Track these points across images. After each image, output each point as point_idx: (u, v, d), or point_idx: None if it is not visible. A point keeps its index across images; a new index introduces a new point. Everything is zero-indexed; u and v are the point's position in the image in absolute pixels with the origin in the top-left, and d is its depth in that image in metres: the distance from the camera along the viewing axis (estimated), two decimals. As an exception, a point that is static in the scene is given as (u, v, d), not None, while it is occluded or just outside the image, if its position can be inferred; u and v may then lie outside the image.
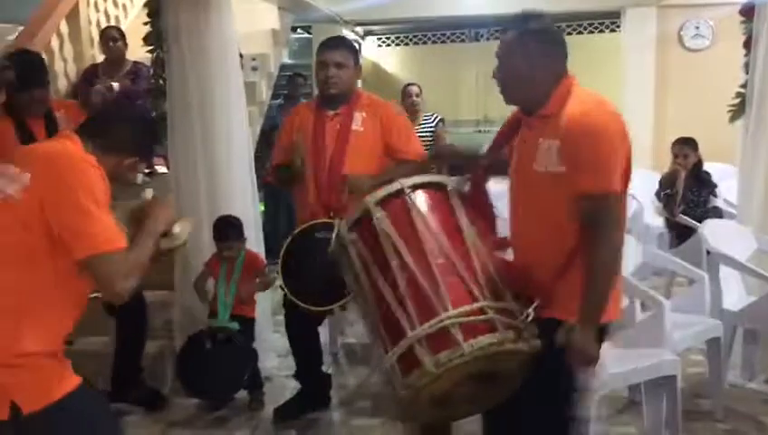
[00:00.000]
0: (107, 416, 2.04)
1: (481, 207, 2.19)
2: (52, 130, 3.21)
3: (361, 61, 9.56)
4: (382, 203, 2.08)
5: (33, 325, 1.79)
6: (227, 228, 3.49)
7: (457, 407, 2.09)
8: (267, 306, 4.06)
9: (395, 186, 2.09)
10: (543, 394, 2.01)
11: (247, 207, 3.99)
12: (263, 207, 5.40)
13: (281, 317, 3.97)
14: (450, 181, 2.17)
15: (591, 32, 9.09)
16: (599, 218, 1.92)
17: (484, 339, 1.87)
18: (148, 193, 2.12)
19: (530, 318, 1.93)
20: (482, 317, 1.91)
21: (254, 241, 3.86)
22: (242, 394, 3.52)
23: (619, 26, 8.44)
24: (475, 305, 1.92)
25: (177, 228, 2.07)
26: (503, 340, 1.89)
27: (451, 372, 1.88)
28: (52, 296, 1.82)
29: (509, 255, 2.20)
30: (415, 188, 2.10)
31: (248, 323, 3.50)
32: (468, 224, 2.08)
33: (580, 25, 9.04)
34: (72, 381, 1.86)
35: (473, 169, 2.28)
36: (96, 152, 1.94)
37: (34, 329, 1.79)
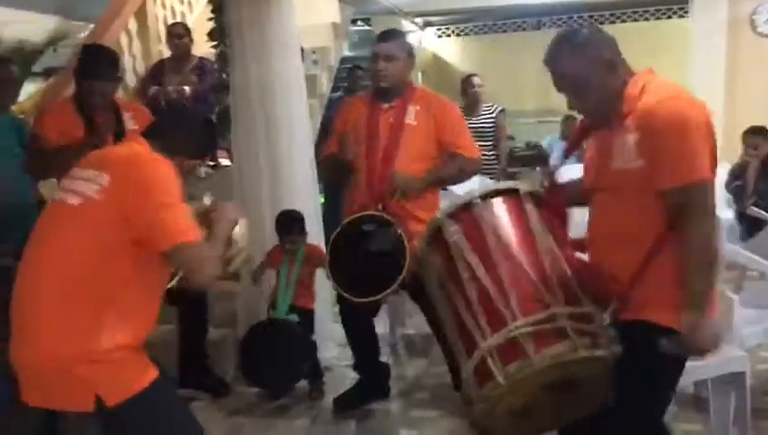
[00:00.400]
0: (182, 404, 2.14)
1: (556, 208, 2.15)
2: (119, 128, 3.28)
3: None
4: (454, 216, 2.08)
5: (114, 321, 1.87)
6: (290, 223, 3.54)
7: (540, 418, 2.04)
8: (327, 297, 4.10)
9: (465, 198, 2.09)
10: (630, 396, 1.92)
11: (308, 198, 4.04)
12: (323, 199, 5.45)
13: (341, 308, 4.02)
14: (522, 185, 2.13)
15: (658, 18, 8.84)
16: (690, 209, 1.83)
17: (555, 348, 1.83)
18: (207, 199, 2.19)
19: (606, 322, 1.89)
20: (553, 325, 1.86)
21: (315, 233, 3.89)
22: (302, 384, 3.57)
23: (687, 11, 8.17)
24: (547, 313, 1.87)
25: (236, 231, 2.14)
26: (575, 347, 1.83)
27: (522, 383, 1.85)
28: (131, 292, 1.90)
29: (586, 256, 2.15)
30: (485, 197, 2.08)
31: (308, 315, 3.54)
32: (542, 228, 2.03)
33: (646, 11, 8.80)
34: (152, 373, 1.94)
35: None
36: (161, 152, 2.02)
37: (115, 325, 1.88)
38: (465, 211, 2.07)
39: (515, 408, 1.92)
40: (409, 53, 3.31)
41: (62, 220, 1.95)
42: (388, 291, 2.93)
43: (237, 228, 2.13)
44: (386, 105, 3.25)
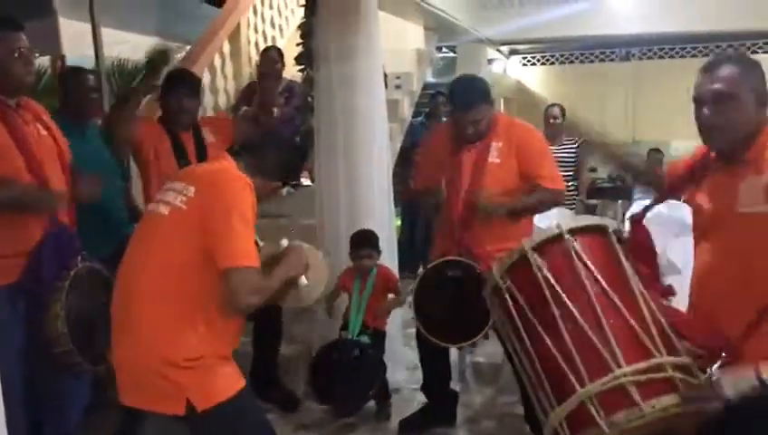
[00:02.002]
0: (264, 416, 2.20)
1: (642, 252, 2.09)
2: (199, 144, 3.46)
3: (505, 79, 9.53)
4: (540, 248, 2.01)
5: (207, 328, 1.97)
6: (364, 241, 3.60)
7: None
8: (398, 320, 4.13)
9: (554, 230, 2.02)
10: None
11: (384, 221, 4.09)
12: (399, 222, 5.51)
13: (411, 330, 4.03)
14: (610, 224, 2.08)
15: (755, 51, 8.54)
16: None
17: (667, 399, 1.76)
18: (285, 241, 2.25)
19: (714, 377, 1.82)
20: (661, 375, 1.80)
21: (388, 255, 3.94)
22: (370, 404, 3.60)
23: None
24: (652, 362, 1.81)
25: (305, 280, 2.15)
26: (686, 400, 1.77)
27: (626, 433, 1.78)
28: (215, 302, 1.97)
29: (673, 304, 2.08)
30: (574, 232, 2.01)
31: (379, 336, 3.57)
32: (632, 270, 1.98)
33: (743, 45, 8.51)
34: (241, 382, 2.04)
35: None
36: (246, 172, 2.11)
37: (208, 332, 1.97)
38: (553, 244, 2.00)
39: None
40: (490, 100, 3.21)
41: (155, 229, 2.06)
42: (475, 339, 2.96)
43: (304, 279, 2.14)
44: (469, 145, 3.18)
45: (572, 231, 2.01)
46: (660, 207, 2.26)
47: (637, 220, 2.16)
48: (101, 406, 3.30)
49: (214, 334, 1.99)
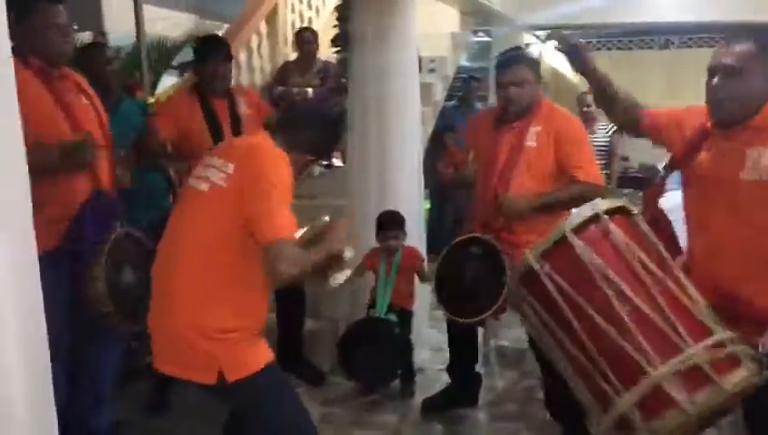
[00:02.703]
0: (291, 388, 2.24)
1: (662, 231, 2.11)
2: (234, 112, 3.49)
3: (541, 65, 9.44)
4: (578, 230, 1.98)
5: (240, 302, 2.04)
6: (390, 221, 3.64)
7: None
8: (426, 301, 4.18)
9: (588, 211, 2.00)
10: None
11: (413, 203, 4.14)
12: (428, 205, 5.54)
13: (437, 312, 4.08)
14: (630, 205, 2.08)
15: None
16: None
17: (740, 374, 1.78)
18: (327, 217, 2.28)
19: (766, 348, 1.85)
20: (726, 351, 1.81)
21: (416, 237, 3.99)
22: (395, 382, 3.67)
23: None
24: (714, 339, 1.82)
25: (349, 253, 2.17)
26: (754, 373, 1.79)
27: (705, 411, 1.78)
28: (248, 276, 2.04)
29: None
30: (608, 213, 2.00)
31: (407, 316, 3.63)
32: (664, 252, 1.98)
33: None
34: (269, 355, 2.10)
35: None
36: (282, 146, 2.15)
37: (241, 305, 2.04)
38: (591, 225, 1.98)
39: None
40: (537, 71, 3.16)
41: (194, 205, 2.12)
42: (488, 313, 2.92)
43: (347, 252, 2.16)
44: (508, 125, 3.13)
45: (608, 212, 2.01)
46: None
47: (649, 196, 2.20)
48: (134, 376, 3.44)
49: (247, 308, 2.06)
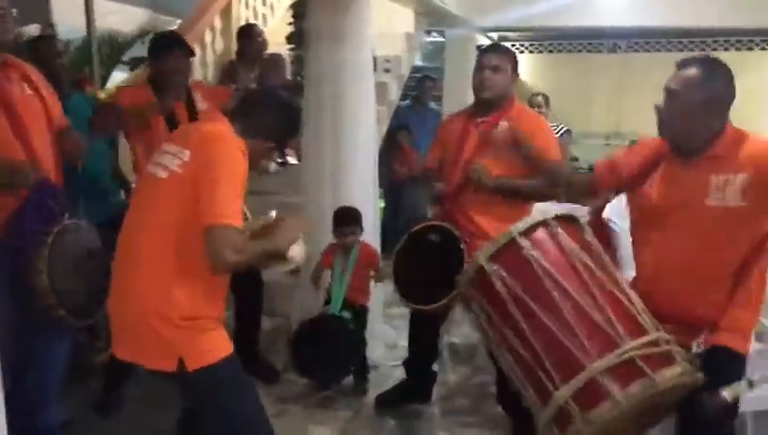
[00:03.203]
0: (249, 382, 2.23)
1: (603, 240, 2.22)
2: (192, 109, 3.39)
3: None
4: (527, 233, 2.10)
5: (201, 290, 2.02)
6: (346, 217, 3.65)
7: None
8: (380, 298, 4.21)
9: (538, 217, 2.13)
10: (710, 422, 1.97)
11: (368, 201, 4.15)
12: (382, 204, 5.57)
13: (391, 310, 4.12)
14: (581, 215, 2.21)
15: (738, 49, 8.65)
16: None
17: (672, 370, 1.87)
18: (273, 213, 2.28)
19: (700, 349, 1.98)
20: (660, 349, 1.91)
21: (372, 235, 4.01)
22: (348, 378, 3.69)
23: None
24: (649, 338, 1.92)
25: (292, 251, 2.15)
26: (686, 371, 1.89)
27: (638, 404, 1.85)
28: (209, 264, 1.99)
29: None
30: (557, 219, 2.13)
31: (361, 312, 3.65)
32: (608, 257, 2.11)
33: (727, 41, 8.62)
34: (229, 346, 2.09)
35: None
36: (241, 133, 2.14)
37: (201, 294, 2.03)
38: (539, 229, 2.11)
39: (608, 431, 1.91)
40: (514, 66, 3.21)
41: (154, 192, 2.10)
42: (446, 300, 2.93)
43: (296, 247, 2.14)
44: (479, 120, 3.19)
45: (556, 218, 2.13)
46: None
47: (597, 210, 2.31)
48: (84, 374, 3.38)
49: (209, 296, 2.05)
